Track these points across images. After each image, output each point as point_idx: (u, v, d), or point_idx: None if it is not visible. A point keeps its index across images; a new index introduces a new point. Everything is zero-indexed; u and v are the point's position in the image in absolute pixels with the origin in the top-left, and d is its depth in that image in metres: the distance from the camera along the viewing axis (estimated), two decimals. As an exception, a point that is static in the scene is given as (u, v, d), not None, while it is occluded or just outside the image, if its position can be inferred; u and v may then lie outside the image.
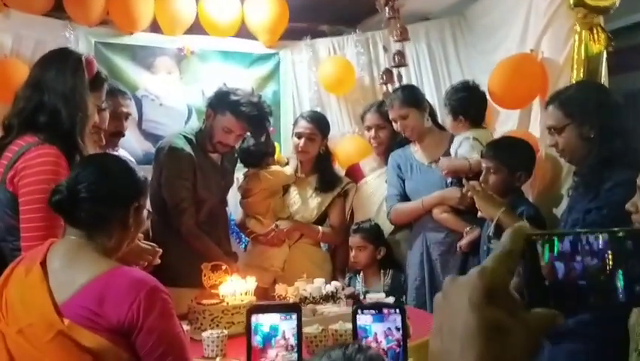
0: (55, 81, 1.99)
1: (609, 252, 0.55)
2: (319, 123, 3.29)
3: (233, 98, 2.89)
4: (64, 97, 1.97)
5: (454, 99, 2.97)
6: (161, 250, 2.10)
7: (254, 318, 1.33)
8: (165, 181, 2.89)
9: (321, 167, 3.32)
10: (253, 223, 3.24)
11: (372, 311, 1.30)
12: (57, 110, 1.95)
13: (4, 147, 1.95)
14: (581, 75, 2.68)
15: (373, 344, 1.27)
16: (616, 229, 0.55)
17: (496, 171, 2.55)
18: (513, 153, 2.58)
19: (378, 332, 1.32)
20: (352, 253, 3.08)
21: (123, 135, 2.92)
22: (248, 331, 1.44)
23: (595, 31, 2.63)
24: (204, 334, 2.07)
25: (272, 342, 1.52)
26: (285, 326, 1.49)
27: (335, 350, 1.05)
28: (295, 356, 1.49)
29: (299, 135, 3.25)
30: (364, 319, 1.30)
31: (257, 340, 1.52)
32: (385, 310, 1.40)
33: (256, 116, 2.92)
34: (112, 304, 1.42)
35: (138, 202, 1.62)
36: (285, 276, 3.05)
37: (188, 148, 2.90)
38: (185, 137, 2.96)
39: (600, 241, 0.56)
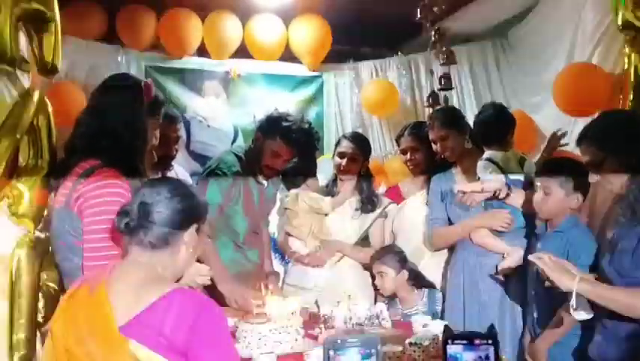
0: (115, 106, 2.06)
1: None
2: (361, 144, 3.30)
3: (285, 124, 2.93)
4: (124, 122, 2.04)
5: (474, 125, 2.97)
6: (212, 271, 2.14)
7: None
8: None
9: (361, 188, 3.32)
10: (294, 243, 3.26)
11: (464, 341, 1.27)
12: (118, 135, 2.02)
13: (68, 168, 2.02)
14: (631, 97, 2.64)
15: None
16: None
17: (550, 192, 2.41)
18: (570, 175, 2.45)
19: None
20: (375, 280, 3.06)
21: (172, 158, 2.99)
22: None
23: (646, 53, 2.59)
24: (254, 353, 2.09)
25: None
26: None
27: None
28: None
29: (341, 155, 3.26)
30: (455, 348, 1.26)
31: None
32: (477, 341, 1.31)
33: (306, 143, 2.96)
34: (173, 324, 1.45)
35: (198, 225, 1.67)
36: (326, 296, 3.06)
37: (237, 166, 2.96)
38: (235, 154, 3.02)
39: None
